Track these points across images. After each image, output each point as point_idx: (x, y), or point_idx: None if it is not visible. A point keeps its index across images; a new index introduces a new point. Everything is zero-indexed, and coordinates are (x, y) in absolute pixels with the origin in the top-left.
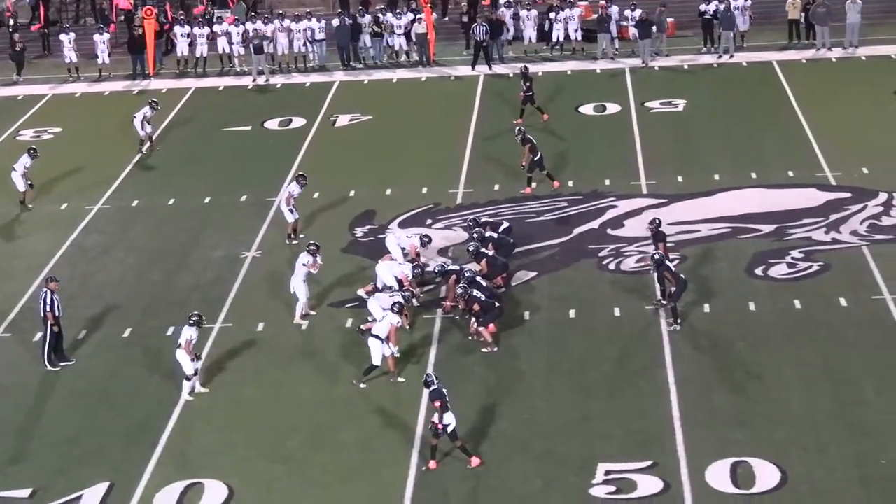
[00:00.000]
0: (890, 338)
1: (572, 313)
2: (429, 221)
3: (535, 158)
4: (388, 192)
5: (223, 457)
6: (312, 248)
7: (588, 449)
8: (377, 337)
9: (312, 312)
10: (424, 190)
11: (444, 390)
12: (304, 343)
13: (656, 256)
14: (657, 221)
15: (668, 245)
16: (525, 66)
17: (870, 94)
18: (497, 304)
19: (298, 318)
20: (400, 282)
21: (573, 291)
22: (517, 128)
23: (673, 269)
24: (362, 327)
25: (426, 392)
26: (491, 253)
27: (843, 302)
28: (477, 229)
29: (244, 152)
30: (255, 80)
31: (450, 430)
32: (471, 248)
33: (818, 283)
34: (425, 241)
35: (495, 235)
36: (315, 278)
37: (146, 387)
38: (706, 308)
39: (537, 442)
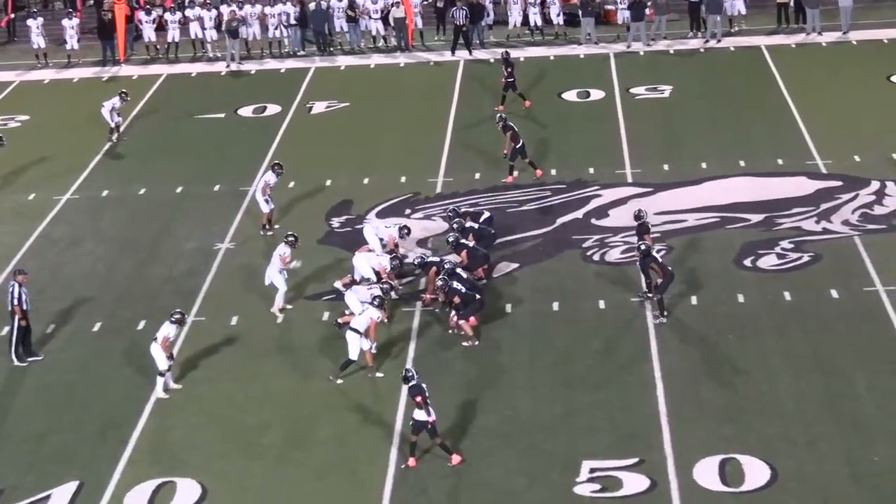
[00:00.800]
0: (882, 330)
1: (556, 305)
2: (407, 211)
3: (517, 146)
4: (366, 181)
5: (196, 454)
6: (290, 238)
7: (572, 445)
8: (355, 331)
9: (289, 306)
10: (403, 179)
11: (424, 385)
12: (280, 337)
13: (643, 247)
14: (642, 213)
15: (654, 235)
16: (506, 52)
17: (861, 79)
18: (478, 297)
19: (275, 310)
20: (378, 273)
21: (557, 283)
22: (498, 115)
23: (660, 260)
24: (339, 321)
25: (405, 388)
26: (472, 244)
27: (834, 294)
28: (457, 220)
29: (217, 140)
30: (228, 66)
31: (429, 426)
32: (450, 239)
33: (808, 275)
34: (404, 232)
35: (476, 226)
36: (291, 270)
37: (117, 382)
38: (693, 300)
39: (520, 438)
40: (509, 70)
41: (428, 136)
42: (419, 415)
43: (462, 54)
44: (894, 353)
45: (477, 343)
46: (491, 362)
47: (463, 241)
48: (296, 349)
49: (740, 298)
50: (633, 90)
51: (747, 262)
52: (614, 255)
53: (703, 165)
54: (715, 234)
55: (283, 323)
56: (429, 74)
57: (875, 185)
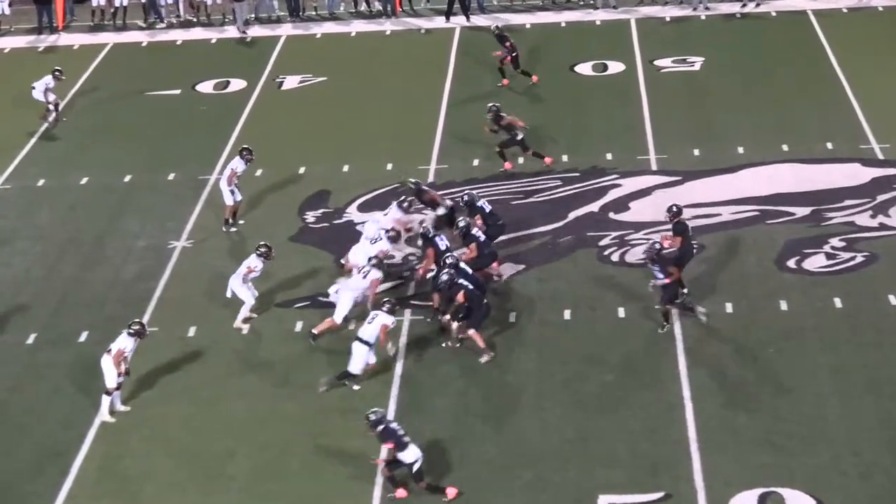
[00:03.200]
0: None
1: (567, 314)
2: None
3: (517, 137)
4: (346, 168)
5: (148, 487)
6: (262, 249)
7: (587, 477)
8: (364, 342)
9: (254, 315)
10: (389, 166)
11: (395, 425)
12: (246, 351)
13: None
14: (676, 209)
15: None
16: (497, 27)
17: None
18: (485, 300)
19: (239, 323)
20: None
21: (569, 288)
22: (490, 107)
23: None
24: (315, 331)
25: (379, 428)
26: (482, 238)
27: (892, 300)
28: (467, 194)
29: (172, 121)
30: (243, 32)
31: (415, 468)
32: (461, 224)
33: (863, 278)
34: (404, 205)
35: (487, 208)
36: (258, 279)
37: (56, 404)
38: (728, 307)
39: (525, 468)
40: (509, 44)
41: (418, 116)
42: (404, 456)
43: (458, 20)
44: None
45: (493, 356)
46: (492, 380)
47: (473, 231)
48: (264, 365)
49: (783, 306)
50: (657, 62)
51: (791, 263)
52: (636, 254)
53: (740, 150)
54: (754, 231)
55: (250, 334)
56: (419, 44)
57: None
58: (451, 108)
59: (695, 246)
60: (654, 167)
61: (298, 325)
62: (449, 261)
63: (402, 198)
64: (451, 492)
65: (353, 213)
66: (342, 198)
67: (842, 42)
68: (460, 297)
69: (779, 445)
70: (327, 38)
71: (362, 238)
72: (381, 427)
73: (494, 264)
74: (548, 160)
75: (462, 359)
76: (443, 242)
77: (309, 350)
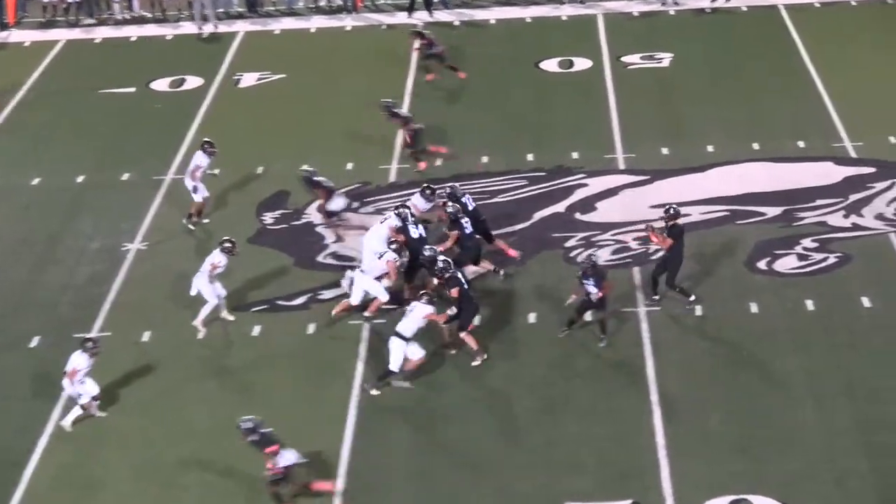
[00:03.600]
0: None
1: (532, 317)
2: (355, 205)
3: (414, 135)
4: (305, 168)
5: (102, 495)
6: (227, 245)
7: (553, 484)
8: (402, 337)
9: (230, 318)
10: (350, 166)
11: (271, 430)
12: (203, 356)
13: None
14: (674, 211)
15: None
16: (415, 30)
17: None
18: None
19: (198, 322)
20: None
21: (534, 290)
22: (385, 103)
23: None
24: (335, 312)
25: (249, 439)
26: (468, 229)
27: (866, 302)
28: (451, 186)
29: (126, 120)
30: (200, 29)
31: (292, 468)
32: (450, 209)
33: (836, 279)
34: (427, 192)
35: (470, 205)
36: (223, 277)
37: (7, 411)
38: (698, 310)
39: (491, 475)
40: (425, 42)
41: (379, 114)
42: (284, 459)
43: (421, 15)
44: None
45: (486, 357)
46: (453, 386)
47: (460, 218)
48: (223, 371)
49: (754, 308)
50: (625, 58)
51: (762, 265)
52: (603, 256)
53: (710, 149)
54: (724, 231)
55: (206, 339)
56: (380, 40)
57: None
58: (414, 105)
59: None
60: (621, 166)
61: (256, 330)
62: (427, 253)
63: (425, 185)
64: (322, 486)
65: (312, 214)
66: (301, 198)
67: (814, 37)
68: (454, 292)
69: (750, 451)
70: (286, 34)
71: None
72: (255, 436)
73: (488, 262)
74: (422, 165)
75: (474, 365)
76: (416, 230)
77: (269, 355)
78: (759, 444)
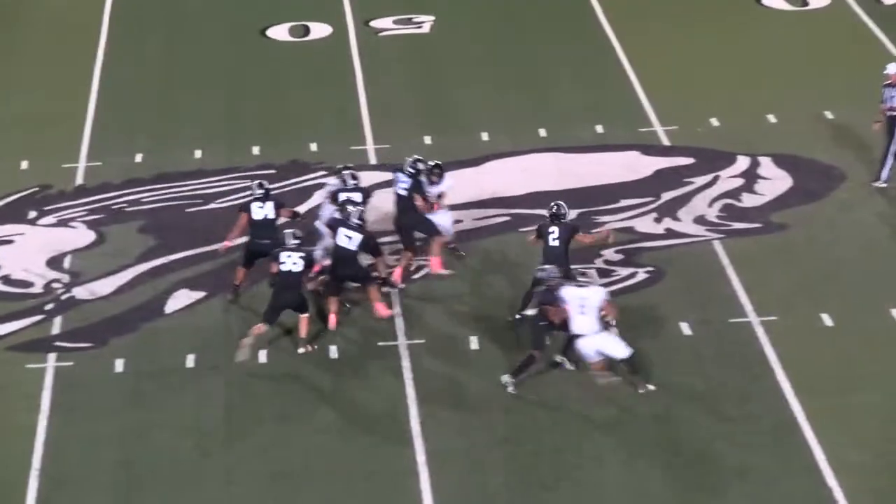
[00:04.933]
0: (759, 380)
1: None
2: (32, 214)
3: None
4: None
5: None
6: None
7: None
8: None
9: None
10: (24, 164)
11: None
12: None
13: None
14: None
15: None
16: None
17: (722, 3)
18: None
19: None
20: None
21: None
22: None
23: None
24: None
25: None
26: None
27: (685, 328)
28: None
29: None
30: None
31: None
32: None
33: (647, 299)
34: (436, 171)
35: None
36: None
37: None
38: (473, 342)
39: None
40: None
41: (64, 97)
42: None
43: None
44: (777, 412)
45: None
46: None
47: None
48: None
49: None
50: (374, 23)
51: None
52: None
53: (484, 137)
54: (504, 241)
55: None
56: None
57: (743, 162)
58: (107, 88)
59: None
60: (372, 160)
61: None
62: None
63: (436, 165)
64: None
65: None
66: None
67: (616, 4)
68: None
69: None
70: None
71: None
72: None
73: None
74: None
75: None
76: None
77: None
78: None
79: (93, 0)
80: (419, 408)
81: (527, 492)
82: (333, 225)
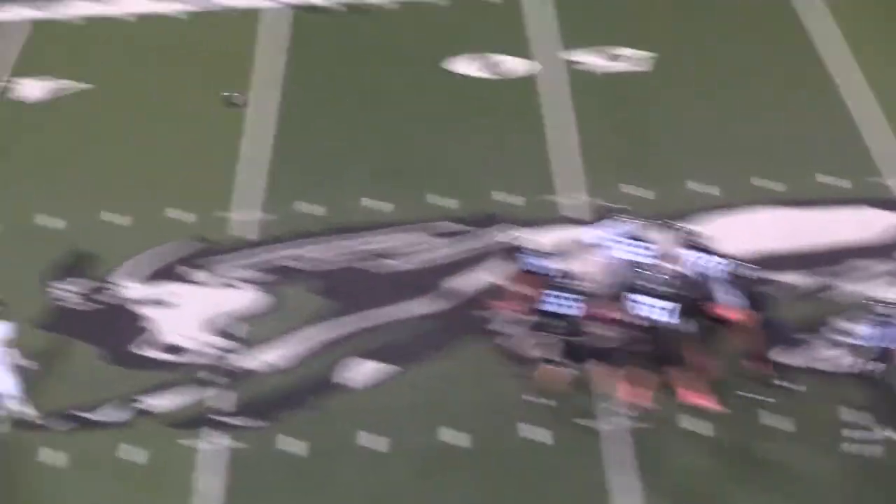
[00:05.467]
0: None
1: None
2: (190, 272)
3: None
4: (124, 220)
5: None
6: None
7: None
8: None
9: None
10: (174, 214)
11: None
12: None
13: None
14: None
15: None
16: None
17: None
18: None
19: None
20: None
21: None
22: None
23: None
24: None
25: None
26: None
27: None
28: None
29: None
30: None
31: None
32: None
33: None
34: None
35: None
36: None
37: None
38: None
39: None
40: None
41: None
42: None
43: None
44: None
45: None
46: None
47: None
48: None
49: None
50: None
51: None
52: None
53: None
54: None
55: None
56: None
57: None
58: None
59: None
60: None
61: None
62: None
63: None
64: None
65: (128, 286)
66: (115, 259)
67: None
68: None
69: None
70: (94, 23)
71: None
72: None
73: None
74: None
75: None
76: None
77: None
78: None
79: (269, 42)
80: None
81: None
82: None
